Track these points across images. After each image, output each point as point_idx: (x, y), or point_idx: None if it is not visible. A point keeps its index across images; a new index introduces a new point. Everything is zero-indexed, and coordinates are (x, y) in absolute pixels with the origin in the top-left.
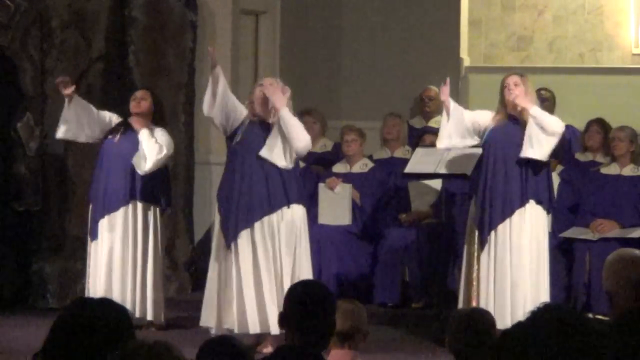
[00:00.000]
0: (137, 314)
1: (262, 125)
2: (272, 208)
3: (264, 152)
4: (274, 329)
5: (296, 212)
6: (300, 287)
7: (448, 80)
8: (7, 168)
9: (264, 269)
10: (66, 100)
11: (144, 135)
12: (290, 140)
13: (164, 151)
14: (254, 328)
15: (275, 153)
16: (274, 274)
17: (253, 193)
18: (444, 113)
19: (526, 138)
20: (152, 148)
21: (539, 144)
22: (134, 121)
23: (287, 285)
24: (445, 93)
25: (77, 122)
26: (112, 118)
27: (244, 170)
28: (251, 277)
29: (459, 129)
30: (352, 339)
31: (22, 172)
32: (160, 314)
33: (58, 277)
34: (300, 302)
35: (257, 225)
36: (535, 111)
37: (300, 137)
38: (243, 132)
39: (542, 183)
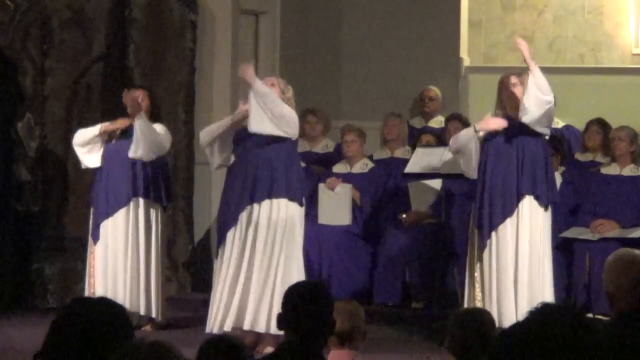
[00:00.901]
0: (142, 312)
1: None
2: (253, 200)
3: (253, 127)
4: (260, 327)
5: (280, 209)
6: (298, 289)
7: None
8: (7, 168)
9: (245, 267)
10: (103, 130)
11: (138, 122)
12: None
13: (160, 136)
14: (250, 325)
15: (265, 124)
16: (260, 272)
17: (240, 187)
18: (474, 144)
19: (524, 99)
20: (146, 132)
21: (536, 104)
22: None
23: (269, 284)
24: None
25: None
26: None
27: (240, 171)
28: (239, 275)
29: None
30: (351, 339)
31: (22, 172)
32: (164, 310)
33: (58, 277)
34: (299, 303)
35: (239, 222)
36: (537, 70)
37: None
38: (244, 137)
39: (539, 178)
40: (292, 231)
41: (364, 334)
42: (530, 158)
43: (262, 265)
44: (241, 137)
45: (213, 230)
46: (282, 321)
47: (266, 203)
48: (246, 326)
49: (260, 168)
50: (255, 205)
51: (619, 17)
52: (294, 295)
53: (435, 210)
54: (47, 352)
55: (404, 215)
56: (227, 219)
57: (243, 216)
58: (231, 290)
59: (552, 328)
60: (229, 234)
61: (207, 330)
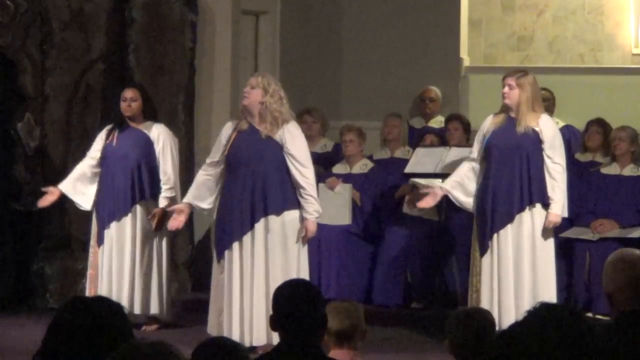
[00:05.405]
0: (153, 311)
1: (251, 132)
2: (259, 215)
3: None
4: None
5: (285, 218)
6: (286, 288)
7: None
8: (7, 168)
9: (237, 278)
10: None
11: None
12: None
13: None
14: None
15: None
16: (260, 283)
17: (242, 203)
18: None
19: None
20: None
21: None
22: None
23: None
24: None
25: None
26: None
27: (236, 182)
28: (238, 286)
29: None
30: (351, 339)
31: (21, 172)
32: (169, 309)
33: (58, 277)
34: (288, 302)
35: (245, 238)
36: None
37: None
38: (233, 143)
39: (544, 186)
40: (295, 237)
41: (363, 333)
42: (535, 166)
43: (266, 277)
44: (230, 158)
45: (213, 230)
46: (274, 322)
47: (271, 217)
48: (256, 343)
49: (261, 183)
50: (261, 221)
51: (619, 17)
52: (281, 295)
53: (435, 210)
54: (45, 352)
55: (408, 207)
56: (229, 237)
57: (248, 234)
58: (240, 304)
59: (551, 328)
60: (232, 249)
61: (210, 332)
